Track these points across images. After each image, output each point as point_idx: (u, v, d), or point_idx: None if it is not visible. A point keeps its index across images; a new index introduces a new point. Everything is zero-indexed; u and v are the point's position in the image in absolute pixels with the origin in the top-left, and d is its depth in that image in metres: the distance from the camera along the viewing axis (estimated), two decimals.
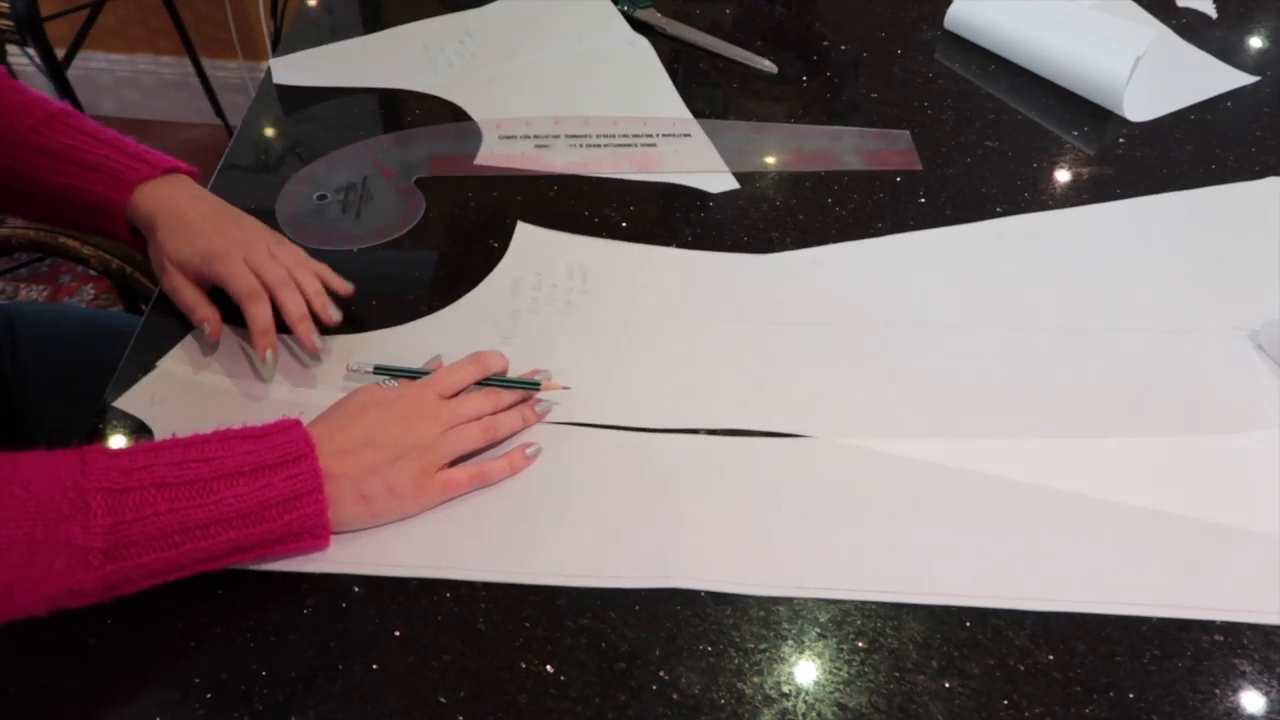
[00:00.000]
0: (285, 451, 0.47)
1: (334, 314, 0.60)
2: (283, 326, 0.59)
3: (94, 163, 0.62)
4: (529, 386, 0.57)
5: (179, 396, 0.58)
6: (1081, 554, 0.51)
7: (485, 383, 0.56)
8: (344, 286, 0.62)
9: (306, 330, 0.59)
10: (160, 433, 0.56)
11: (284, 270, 0.60)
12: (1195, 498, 0.53)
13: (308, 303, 0.60)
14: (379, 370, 0.56)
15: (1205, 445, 0.57)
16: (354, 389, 0.54)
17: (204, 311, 0.60)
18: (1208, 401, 0.59)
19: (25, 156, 0.63)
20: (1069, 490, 0.54)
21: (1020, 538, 0.51)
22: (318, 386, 0.59)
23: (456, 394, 0.55)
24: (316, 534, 0.48)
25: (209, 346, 0.61)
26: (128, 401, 0.57)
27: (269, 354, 0.58)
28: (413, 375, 0.56)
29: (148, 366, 0.59)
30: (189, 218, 0.61)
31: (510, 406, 0.56)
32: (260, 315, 0.58)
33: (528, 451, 0.54)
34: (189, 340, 0.61)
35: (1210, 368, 0.61)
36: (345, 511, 0.49)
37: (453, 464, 0.52)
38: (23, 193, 0.64)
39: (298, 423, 0.49)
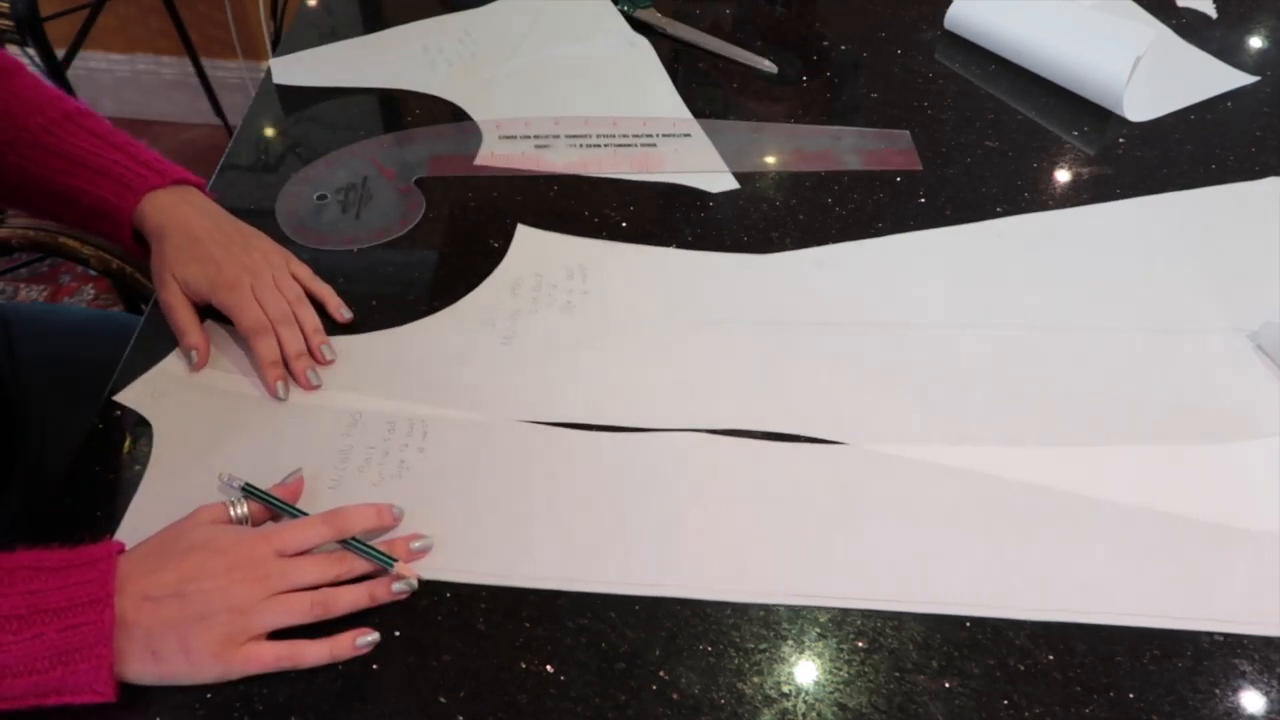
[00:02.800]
0: (75, 595, 0.42)
1: (328, 354, 0.60)
2: None
3: (104, 168, 0.62)
4: (384, 562, 0.48)
5: (180, 392, 0.58)
6: (1081, 561, 0.51)
7: (344, 543, 0.49)
8: (343, 316, 0.63)
9: (303, 367, 0.58)
10: (161, 429, 0.55)
11: (286, 305, 0.60)
12: (1195, 502, 0.53)
13: (306, 340, 0.60)
14: (248, 491, 0.50)
15: (1205, 448, 0.57)
16: (194, 511, 0.48)
17: (193, 339, 0.59)
18: (1207, 403, 0.59)
19: (36, 156, 0.63)
20: (1068, 493, 0.54)
21: (1019, 543, 0.51)
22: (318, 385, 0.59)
23: (301, 552, 0.48)
24: (98, 690, 0.42)
25: (213, 345, 0.60)
26: (129, 396, 0.57)
27: (279, 385, 0.58)
28: (281, 507, 0.50)
29: (148, 366, 0.59)
30: (198, 235, 0.61)
31: (363, 577, 0.48)
32: (267, 350, 0.58)
33: (358, 641, 0.46)
34: None
35: (1210, 368, 0.61)
36: (130, 667, 0.43)
37: (274, 633, 0.46)
38: (32, 191, 0.64)
39: (111, 554, 0.44)
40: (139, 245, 0.64)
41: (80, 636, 0.42)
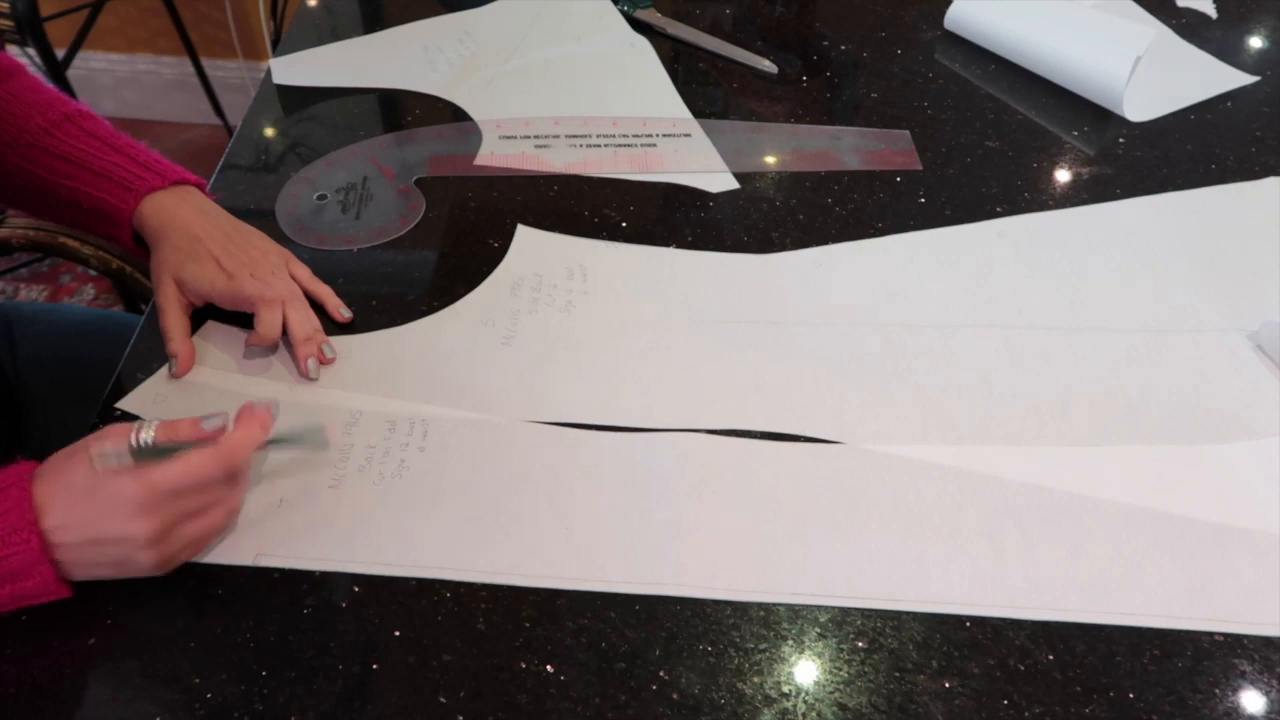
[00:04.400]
0: None
1: (329, 354, 0.60)
2: None
3: (104, 170, 0.62)
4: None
5: (180, 396, 0.58)
6: (1081, 561, 0.51)
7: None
8: (342, 315, 0.63)
9: (308, 353, 0.59)
10: None
11: (294, 286, 0.61)
12: (1195, 502, 0.53)
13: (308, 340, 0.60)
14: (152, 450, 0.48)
15: (1205, 448, 0.57)
16: (99, 437, 0.48)
17: (177, 345, 0.59)
18: (1207, 403, 0.59)
19: (37, 158, 0.63)
20: (1068, 493, 0.54)
21: (1019, 543, 0.51)
22: (318, 385, 0.59)
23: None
24: (52, 593, 0.46)
25: (211, 345, 0.61)
26: (131, 403, 0.57)
27: (265, 349, 0.59)
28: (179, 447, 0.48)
29: (148, 366, 0.59)
30: (197, 235, 0.61)
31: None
32: (272, 321, 0.59)
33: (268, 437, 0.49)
34: (195, 339, 0.61)
35: (1210, 368, 0.61)
36: (75, 577, 0.46)
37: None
38: (33, 193, 0.64)
39: (23, 478, 0.46)
40: (139, 247, 0.64)
41: (17, 562, 0.44)
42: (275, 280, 0.60)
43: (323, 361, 0.60)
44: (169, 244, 0.61)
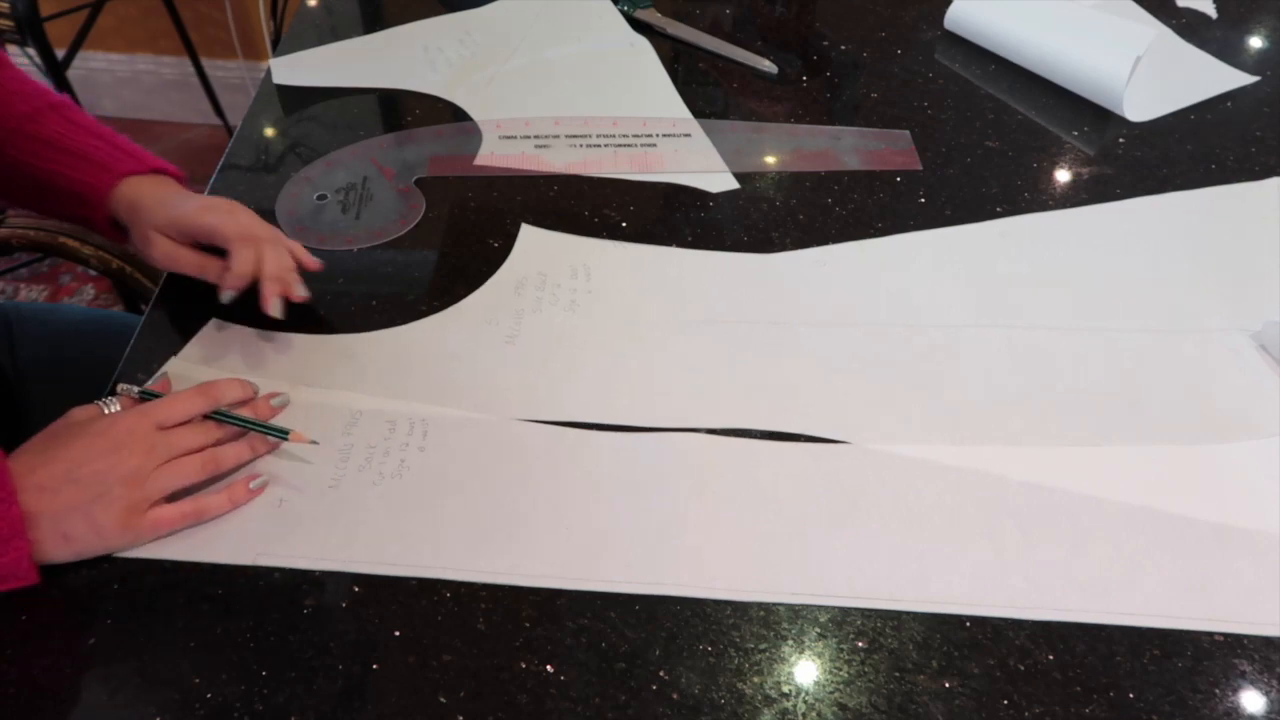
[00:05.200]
0: None
1: (300, 290, 0.60)
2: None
3: (84, 153, 0.63)
4: (278, 435, 0.53)
5: None
6: (1081, 561, 0.50)
7: (229, 419, 0.53)
8: (313, 263, 0.62)
9: (274, 290, 0.58)
10: None
11: (276, 231, 0.61)
12: (1195, 502, 0.53)
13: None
14: (143, 395, 0.54)
15: (1207, 448, 0.57)
16: (68, 413, 0.52)
17: (215, 269, 0.59)
18: (1209, 402, 0.59)
19: (19, 143, 0.63)
20: (1068, 493, 0.54)
21: (1019, 543, 0.51)
22: (319, 385, 0.59)
23: (179, 424, 0.51)
24: (21, 577, 0.46)
25: (214, 345, 0.61)
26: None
27: (228, 294, 0.59)
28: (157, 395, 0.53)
29: (148, 366, 0.59)
30: (173, 198, 0.61)
31: (238, 436, 0.54)
32: (247, 259, 0.58)
33: (252, 484, 0.51)
34: (198, 338, 0.61)
35: (1212, 368, 0.61)
36: (45, 550, 0.47)
37: (172, 498, 0.50)
38: (15, 178, 0.64)
39: None
40: (115, 231, 0.64)
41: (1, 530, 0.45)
42: (255, 225, 0.60)
43: (294, 298, 0.59)
44: (145, 204, 0.61)
